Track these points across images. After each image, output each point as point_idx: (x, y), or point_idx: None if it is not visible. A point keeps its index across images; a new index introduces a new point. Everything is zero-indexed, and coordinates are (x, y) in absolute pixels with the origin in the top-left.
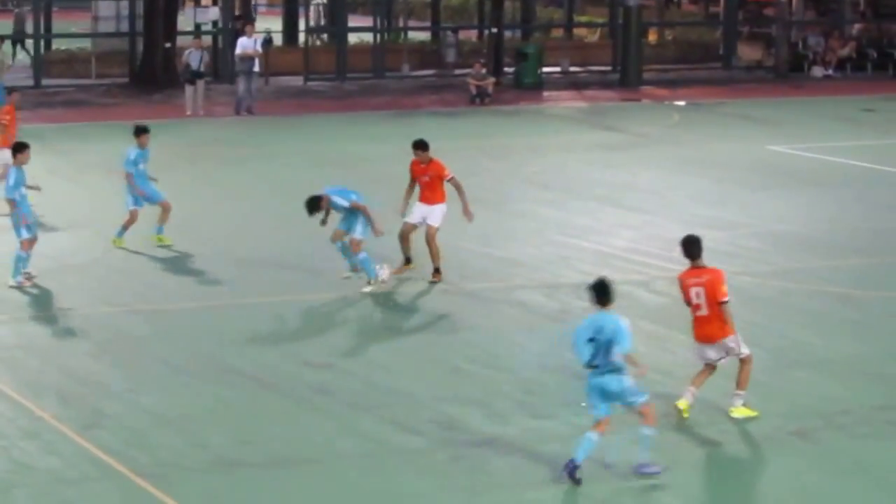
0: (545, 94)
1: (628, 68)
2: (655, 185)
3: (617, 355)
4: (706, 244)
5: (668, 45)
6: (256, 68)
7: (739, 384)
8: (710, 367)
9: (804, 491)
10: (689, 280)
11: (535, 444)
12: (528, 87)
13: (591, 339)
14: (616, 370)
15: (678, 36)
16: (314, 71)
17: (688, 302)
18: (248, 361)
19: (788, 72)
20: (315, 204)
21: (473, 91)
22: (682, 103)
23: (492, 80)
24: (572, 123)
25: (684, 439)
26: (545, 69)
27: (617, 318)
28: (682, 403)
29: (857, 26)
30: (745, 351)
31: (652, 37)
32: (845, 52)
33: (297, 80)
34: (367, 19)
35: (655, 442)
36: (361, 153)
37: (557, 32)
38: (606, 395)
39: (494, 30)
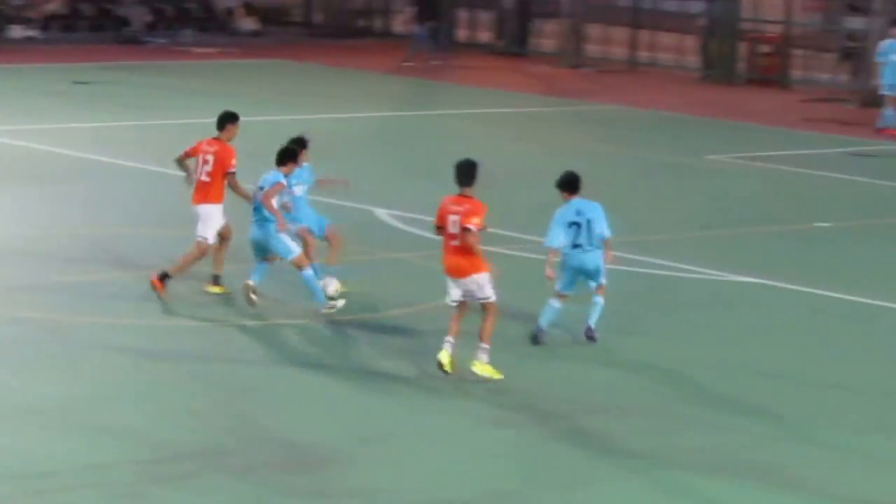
0: None
1: None
2: None
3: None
4: None
5: None
6: None
7: (482, 335)
8: (463, 308)
9: None
10: (450, 206)
11: None
12: None
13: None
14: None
15: None
16: None
17: (442, 228)
18: None
19: None
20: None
21: None
22: None
23: None
24: None
25: None
26: None
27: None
28: (444, 357)
29: None
30: (491, 295)
31: None
32: (52, 7)
33: None
34: None
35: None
36: None
37: None
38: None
39: None
